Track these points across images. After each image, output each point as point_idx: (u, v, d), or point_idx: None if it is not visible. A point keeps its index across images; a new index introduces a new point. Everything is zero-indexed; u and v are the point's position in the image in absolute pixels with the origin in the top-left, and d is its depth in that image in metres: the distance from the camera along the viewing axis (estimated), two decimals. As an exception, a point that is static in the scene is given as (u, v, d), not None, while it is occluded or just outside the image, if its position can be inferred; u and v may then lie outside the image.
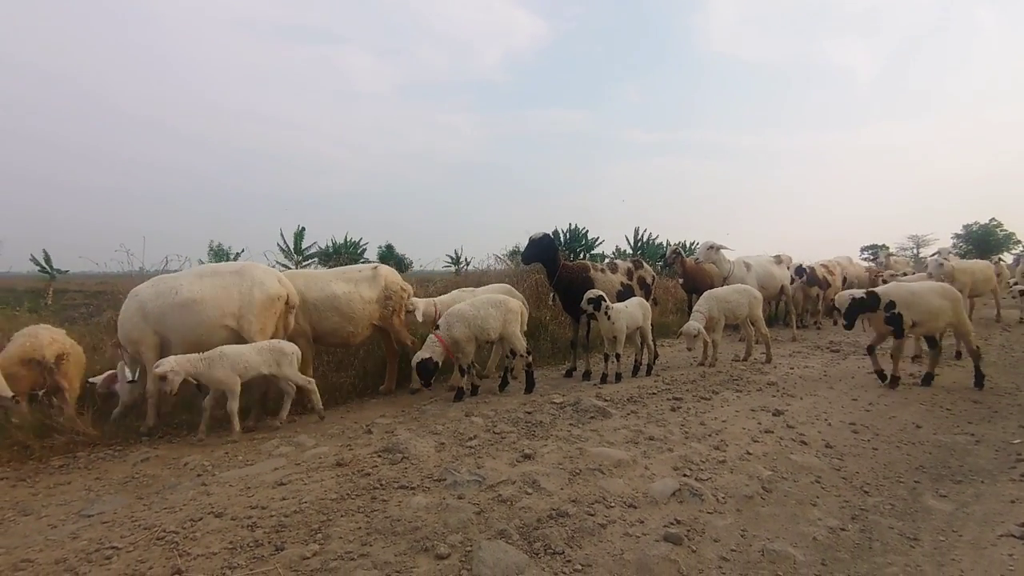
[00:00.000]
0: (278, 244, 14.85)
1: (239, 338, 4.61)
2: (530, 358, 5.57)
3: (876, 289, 5.85)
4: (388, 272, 5.88)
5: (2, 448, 3.90)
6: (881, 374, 5.59)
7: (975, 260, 9.75)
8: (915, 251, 34.72)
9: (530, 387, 5.56)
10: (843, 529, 2.75)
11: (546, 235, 6.49)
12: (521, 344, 5.48)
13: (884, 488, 3.26)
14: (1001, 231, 33.35)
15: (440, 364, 5.16)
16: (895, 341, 5.58)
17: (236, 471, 3.52)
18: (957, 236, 34.76)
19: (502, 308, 5.39)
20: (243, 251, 13.08)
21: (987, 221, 33.59)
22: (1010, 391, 5.37)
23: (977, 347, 5.59)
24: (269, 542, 2.54)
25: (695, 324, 6.31)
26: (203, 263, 11.35)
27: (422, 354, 5.10)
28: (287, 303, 4.99)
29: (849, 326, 5.68)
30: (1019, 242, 32.42)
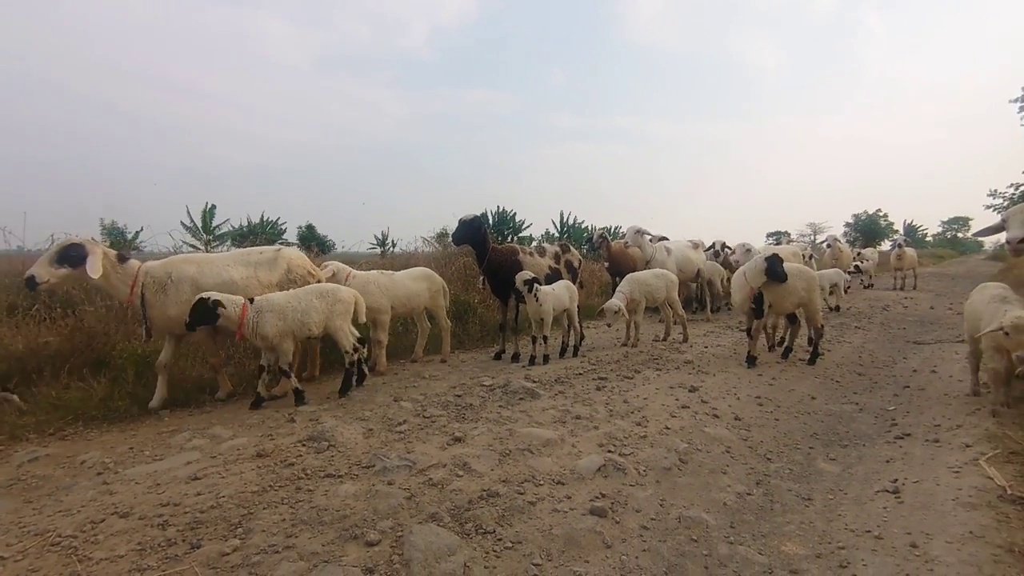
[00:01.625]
0: (182, 222, 13.70)
1: None
2: (355, 356, 4.86)
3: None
4: (293, 255, 5.33)
5: None
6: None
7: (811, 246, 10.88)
8: (812, 237, 38.03)
9: (344, 390, 4.81)
10: (749, 494, 3.01)
11: (476, 217, 6.46)
12: (347, 340, 4.77)
13: (784, 455, 3.59)
14: (884, 221, 37.29)
15: (215, 321, 4.19)
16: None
17: (143, 467, 3.26)
18: (848, 224, 38.46)
19: (329, 299, 4.65)
20: (142, 229, 11.97)
21: (873, 211, 37.41)
22: (887, 363, 6.06)
23: (821, 326, 6.14)
24: (183, 540, 2.40)
25: (616, 302, 6.57)
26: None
27: (219, 296, 4.21)
28: None
29: None
30: (897, 231, 36.47)
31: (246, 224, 16.09)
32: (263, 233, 15.69)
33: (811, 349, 6.10)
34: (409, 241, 14.34)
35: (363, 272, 5.88)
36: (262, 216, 16.95)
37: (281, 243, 16.80)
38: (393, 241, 16.63)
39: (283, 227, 17.84)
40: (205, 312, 4.13)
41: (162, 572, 2.19)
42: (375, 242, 16.99)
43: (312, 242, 17.67)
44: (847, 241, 29.32)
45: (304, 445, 3.48)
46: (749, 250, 9.44)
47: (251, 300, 4.35)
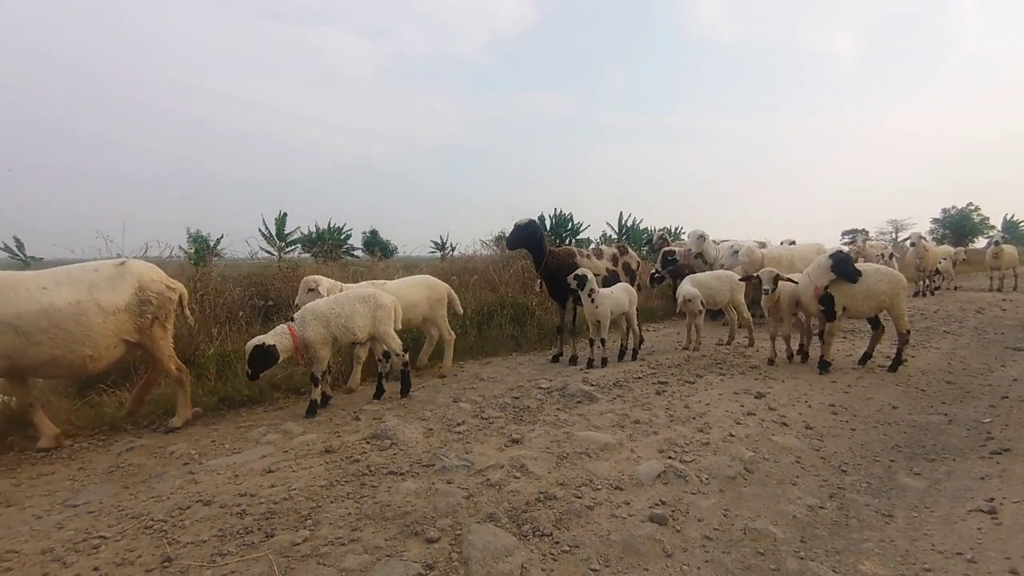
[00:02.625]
0: (260, 230, 14.61)
1: None
2: (407, 356, 4.90)
3: None
4: (142, 269, 4.23)
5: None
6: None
7: (804, 244, 9.85)
8: (894, 235, 35.38)
9: (405, 390, 4.92)
10: (821, 507, 2.84)
11: (531, 221, 6.48)
12: (396, 343, 4.79)
13: (861, 467, 3.37)
14: (977, 215, 34.10)
15: (278, 361, 4.22)
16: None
17: (223, 459, 3.51)
18: (935, 221, 35.48)
19: (371, 304, 4.65)
20: (222, 237, 12.85)
21: (964, 205, 34.31)
22: (982, 372, 5.54)
23: (907, 331, 5.68)
24: (259, 529, 2.55)
25: (692, 288, 6.63)
26: (184, 250, 11.14)
27: (264, 338, 4.18)
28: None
29: None
30: (993, 227, 33.22)
31: (314, 230, 16.92)
32: (330, 239, 16.43)
33: (893, 355, 5.69)
34: (468, 244, 14.61)
35: (355, 286, 5.41)
36: (329, 223, 17.76)
37: (346, 248, 17.58)
38: (452, 245, 17.00)
39: (348, 233, 18.60)
40: (265, 358, 4.11)
41: (240, 558, 2.34)
42: (435, 246, 17.42)
43: (375, 247, 18.36)
44: (933, 239, 27.09)
45: (368, 443, 3.62)
46: (736, 252, 8.40)
47: (291, 319, 4.43)
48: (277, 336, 4.23)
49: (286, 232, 15.03)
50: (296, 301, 5.28)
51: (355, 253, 18.27)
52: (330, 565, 2.26)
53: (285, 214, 14.98)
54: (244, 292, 7.11)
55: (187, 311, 4.54)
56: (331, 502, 2.80)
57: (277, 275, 7.86)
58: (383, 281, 5.76)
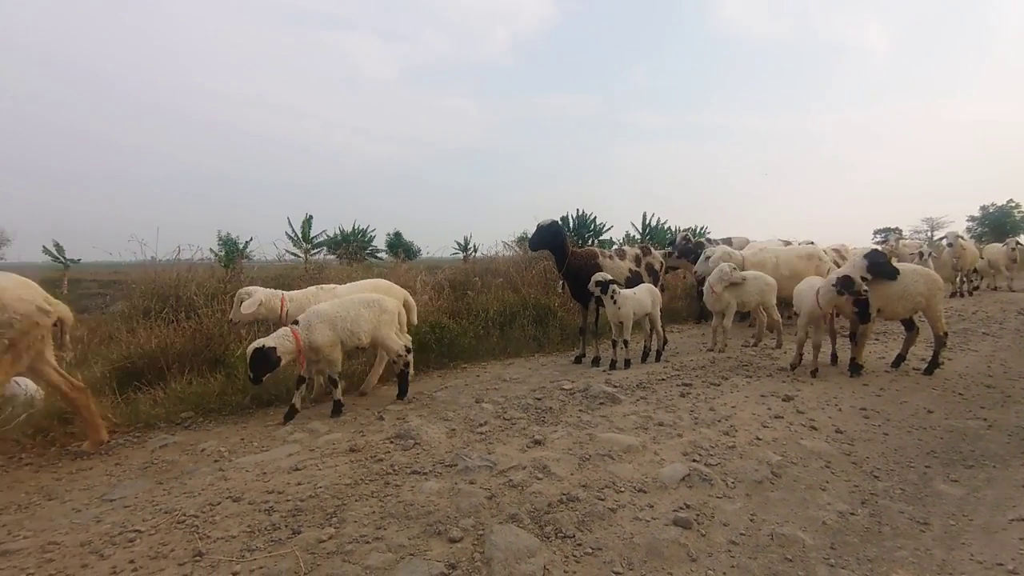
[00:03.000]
0: (286, 232, 14.91)
1: None
2: (409, 357, 4.86)
3: None
4: (6, 285, 3.43)
5: (26, 435, 3.99)
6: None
7: (794, 247, 9.33)
8: (929, 234, 34.24)
9: (402, 393, 4.89)
10: (853, 513, 2.77)
11: (554, 222, 6.47)
12: (396, 345, 4.75)
13: (894, 473, 3.27)
14: (1018, 212, 32.79)
15: (280, 364, 4.13)
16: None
17: (252, 457, 3.59)
18: (973, 218, 34.24)
19: (375, 309, 4.64)
20: (251, 240, 13.15)
21: (1004, 202, 33.03)
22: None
23: (945, 333, 5.49)
24: (286, 526, 2.60)
25: (725, 266, 6.60)
26: (215, 253, 11.44)
27: (265, 341, 4.10)
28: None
29: None
30: (1035, 224, 31.89)
31: (339, 232, 17.18)
32: (355, 241, 16.66)
33: (928, 358, 5.50)
34: (490, 245, 14.65)
35: (298, 293, 5.11)
36: (354, 225, 18.02)
37: (371, 250, 17.80)
38: (475, 246, 17.06)
39: (372, 234, 18.84)
40: (265, 361, 4.05)
41: (268, 554, 2.39)
42: (457, 247, 17.52)
43: (399, 248, 18.55)
44: (971, 237, 26.12)
45: (392, 442, 3.66)
46: (708, 258, 7.79)
47: (295, 323, 4.33)
48: (279, 339, 4.16)
49: (312, 235, 15.31)
50: (231, 316, 4.89)
51: (379, 255, 18.50)
52: (355, 563, 2.30)
53: (311, 217, 15.27)
54: (272, 293, 7.25)
55: (67, 338, 3.85)
56: (356, 500, 2.84)
57: (303, 277, 8.02)
58: (332, 287, 5.34)
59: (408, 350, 4.89)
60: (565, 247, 6.43)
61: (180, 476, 3.35)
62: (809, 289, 5.57)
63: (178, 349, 5.38)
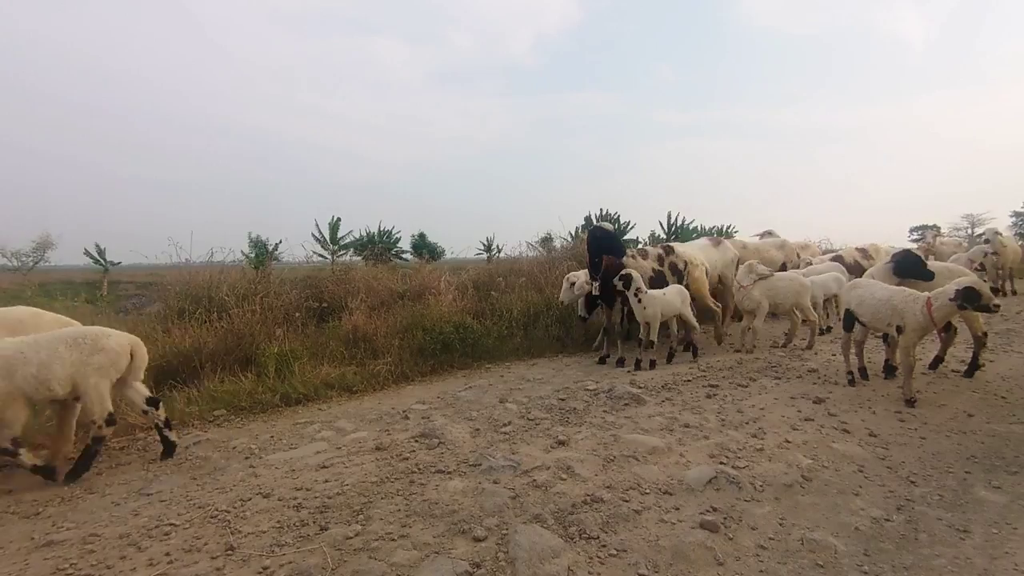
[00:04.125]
0: (313, 234, 15.17)
1: None
2: (109, 431, 3.51)
3: None
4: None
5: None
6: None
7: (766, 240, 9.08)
8: (969, 231, 32.93)
9: (75, 473, 3.42)
10: (887, 520, 2.68)
11: (609, 229, 6.62)
12: (100, 407, 3.42)
13: (932, 478, 3.15)
14: (1066, 208, 31.29)
15: None
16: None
17: (281, 454, 3.67)
18: (1016, 214, 32.78)
19: (83, 349, 3.36)
20: (280, 242, 13.40)
21: (1051, 197, 31.52)
22: (1073, 378, 5.07)
23: (984, 333, 5.14)
24: (314, 522, 2.66)
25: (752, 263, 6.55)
26: (245, 254, 11.71)
27: None
28: None
29: None
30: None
31: (365, 234, 17.41)
32: (380, 243, 16.85)
33: (968, 360, 5.28)
34: (514, 246, 14.66)
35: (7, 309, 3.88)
36: (379, 226, 18.23)
37: (396, 251, 18.00)
38: (499, 246, 17.10)
39: (398, 236, 19.03)
40: None
41: (296, 549, 2.44)
42: (482, 247, 17.57)
43: (423, 249, 18.70)
44: (1016, 234, 25.03)
45: (417, 441, 3.70)
46: (572, 284, 6.94)
47: None
48: None
49: (339, 236, 15.53)
50: None
51: (404, 256, 18.68)
52: (380, 559, 2.33)
53: (339, 219, 15.49)
54: (300, 294, 7.42)
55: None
56: (381, 498, 2.88)
57: (330, 278, 8.15)
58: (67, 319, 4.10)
59: (110, 421, 3.49)
60: (622, 251, 6.59)
61: (213, 472, 3.45)
62: (907, 300, 4.63)
63: (211, 348, 5.54)
